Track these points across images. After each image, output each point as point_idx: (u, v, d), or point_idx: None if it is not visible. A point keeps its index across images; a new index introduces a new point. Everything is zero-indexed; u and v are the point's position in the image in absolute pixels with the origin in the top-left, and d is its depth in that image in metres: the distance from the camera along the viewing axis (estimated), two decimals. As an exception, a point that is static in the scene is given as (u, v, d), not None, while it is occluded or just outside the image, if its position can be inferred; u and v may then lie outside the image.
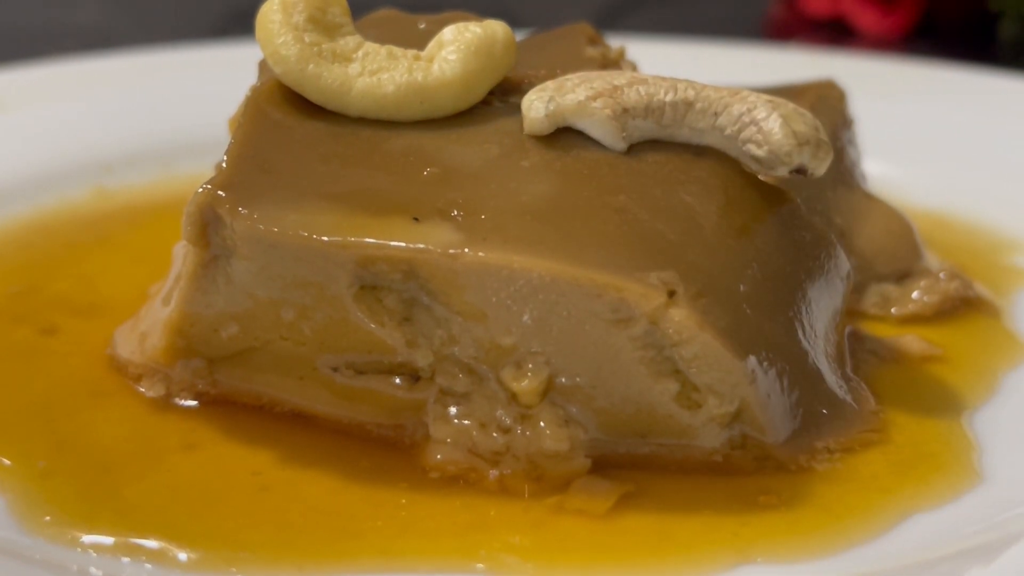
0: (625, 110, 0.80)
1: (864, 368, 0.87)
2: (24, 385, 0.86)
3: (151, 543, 0.72)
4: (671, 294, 0.73)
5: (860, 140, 1.06)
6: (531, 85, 0.84)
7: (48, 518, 0.74)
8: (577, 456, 0.77)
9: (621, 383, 0.76)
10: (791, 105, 0.80)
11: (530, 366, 0.76)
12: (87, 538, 0.73)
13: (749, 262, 0.78)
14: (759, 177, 0.82)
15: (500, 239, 0.75)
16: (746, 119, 0.79)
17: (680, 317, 0.73)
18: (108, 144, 1.24)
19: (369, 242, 0.75)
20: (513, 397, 0.77)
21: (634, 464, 0.78)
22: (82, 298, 0.97)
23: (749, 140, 0.79)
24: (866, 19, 1.79)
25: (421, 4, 0.97)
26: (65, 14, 1.87)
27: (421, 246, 0.74)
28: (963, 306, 0.97)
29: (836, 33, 1.81)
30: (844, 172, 1.02)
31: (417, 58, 0.82)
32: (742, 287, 0.76)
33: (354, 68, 0.81)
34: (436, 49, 0.83)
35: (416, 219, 0.76)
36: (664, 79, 0.81)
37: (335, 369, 0.80)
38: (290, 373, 0.81)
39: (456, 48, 0.82)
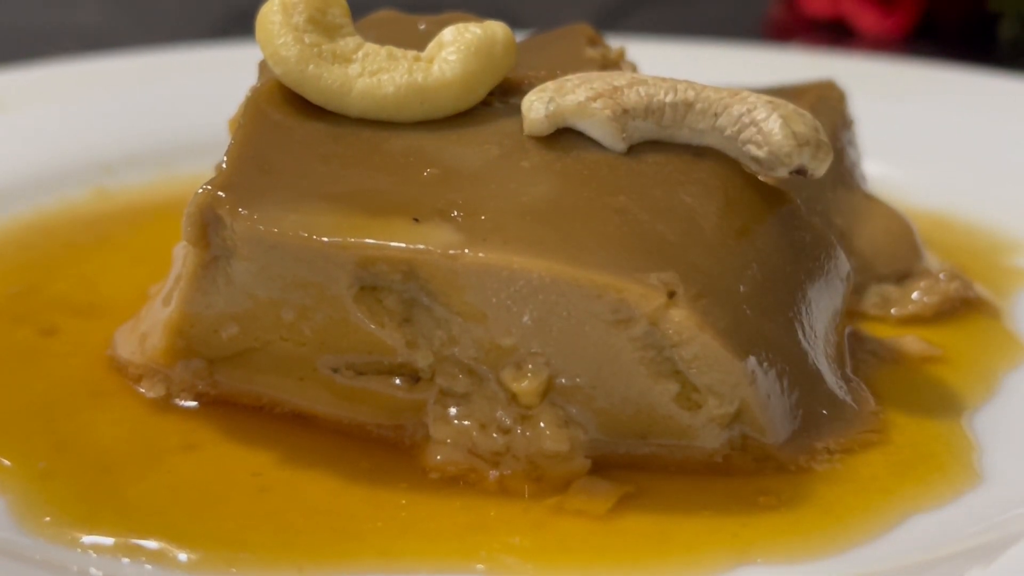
0: (625, 111, 0.80)
1: (864, 369, 0.87)
2: (24, 386, 0.86)
3: (151, 544, 0.72)
4: (671, 295, 0.73)
5: (860, 141, 1.06)
6: (531, 86, 0.84)
7: (48, 519, 0.74)
8: (577, 457, 0.77)
9: (621, 384, 0.76)
10: (791, 106, 0.80)
11: (530, 367, 0.76)
12: (87, 539, 0.73)
13: (749, 263, 0.78)
14: (759, 178, 0.82)
15: (500, 240, 0.75)
16: (746, 120, 0.80)
17: (680, 318, 0.73)
18: (108, 145, 1.24)
19: (369, 243, 0.75)
20: (513, 398, 0.77)
21: (634, 465, 0.78)
22: (82, 299, 0.97)
23: (749, 141, 0.80)
24: (866, 20, 1.79)
25: (421, 5, 0.97)
26: (65, 14, 1.87)
27: (421, 247, 0.74)
28: (963, 307, 0.97)
29: (836, 34, 1.81)
30: (844, 173, 1.02)
31: (417, 59, 0.82)
32: (742, 288, 0.76)
33: (354, 69, 0.81)
34: (436, 50, 0.83)
35: (416, 220, 0.76)
36: (664, 80, 0.81)
37: (335, 370, 0.80)
38: (290, 374, 0.81)
39: (456, 49, 0.82)
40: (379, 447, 0.80)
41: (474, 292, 0.75)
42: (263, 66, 0.88)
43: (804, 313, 0.80)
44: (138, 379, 0.85)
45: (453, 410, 0.78)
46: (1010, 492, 0.77)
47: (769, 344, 0.76)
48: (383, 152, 0.80)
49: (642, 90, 0.80)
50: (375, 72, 0.81)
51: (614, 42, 0.98)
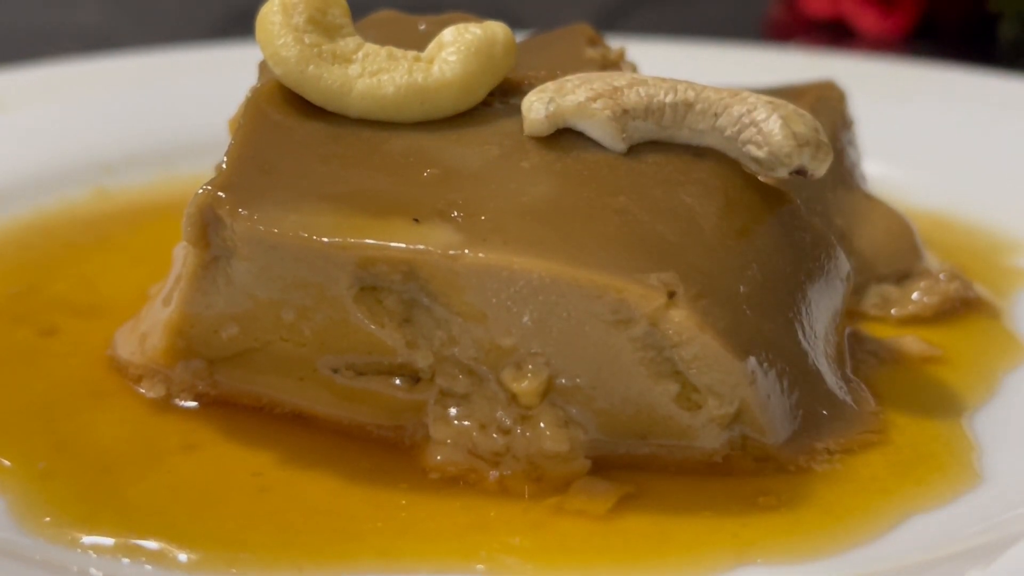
0: (625, 111, 0.80)
1: (864, 369, 0.87)
2: (24, 386, 0.86)
3: (151, 544, 0.72)
4: (671, 295, 0.74)
5: (860, 141, 1.06)
6: (531, 86, 0.84)
7: (48, 519, 0.74)
8: (577, 457, 0.77)
9: (621, 384, 0.76)
10: (791, 106, 0.80)
11: (530, 367, 0.76)
12: (87, 539, 0.73)
13: (749, 263, 0.78)
14: (759, 178, 0.82)
15: (500, 240, 0.75)
16: (746, 120, 0.80)
17: (680, 318, 0.73)
18: (108, 145, 1.24)
19: (369, 243, 0.75)
20: (513, 398, 0.77)
21: (634, 465, 0.78)
22: (82, 299, 0.97)
23: (749, 141, 0.80)
24: (866, 20, 1.79)
25: (421, 5, 0.97)
26: (66, 15, 1.87)
27: (421, 247, 0.74)
28: (963, 307, 0.97)
29: (836, 34, 1.81)
30: (844, 173, 1.02)
31: (417, 59, 0.82)
32: (742, 288, 0.76)
33: (354, 69, 0.81)
34: (436, 50, 0.83)
35: (416, 220, 0.76)
36: (664, 80, 0.81)
37: (335, 370, 0.80)
38: (290, 374, 0.81)
39: (456, 49, 0.82)
40: (379, 447, 0.80)
41: (474, 292, 0.75)
42: (263, 66, 0.88)
43: (804, 313, 0.80)
44: (138, 379, 0.85)
45: (453, 410, 0.78)
46: (1010, 492, 0.77)
47: (769, 344, 0.76)
48: (383, 152, 0.80)
49: (642, 90, 0.80)
50: (375, 72, 0.81)
51: (614, 42, 0.98)
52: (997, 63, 1.45)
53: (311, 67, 0.81)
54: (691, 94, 0.80)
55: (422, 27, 0.91)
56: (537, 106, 0.81)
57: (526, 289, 0.74)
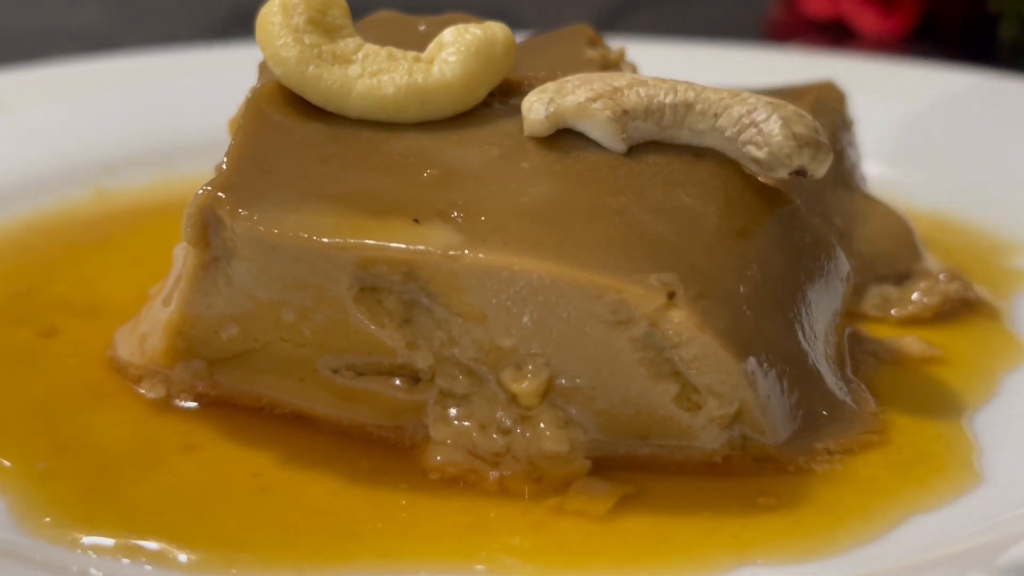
0: (625, 112, 0.80)
1: (864, 369, 0.87)
2: (24, 387, 0.86)
3: (151, 544, 0.72)
4: (671, 295, 0.74)
5: (860, 142, 1.06)
6: (531, 87, 0.84)
7: (48, 519, 0.74)
8: (577, 457, 0.77)
9: (621, 384, 0.76)
10: (791, 107, 0.80)
11: (530, 368, 0.76)
12: (87, 539, 0.73)
13: (749, 263, 0.78)
14: (759, 179, 0.82)
15: (500, 240, 0.75)
16: (746, 121, 0.80)
17: (680, 318, 0.73)
18: (108, 145, 1.24)
19: (369, 243, 0.75)
20: (513, 399, 0.77)
21: (634, 465, 0.78)
22: (82, 299, 0.97)
23: (749, 142, 0.80)
24: (866, 20, 1.79)
25: (421, 5, 0.97)
26: (66, 15, 1.87)
27: (421, 248, 0.74)
28: (963, 308, 0.97)
29: (836, 34, 1.81)
30: (844, 174, 1.02)
31: (417, 60, 0.82)
32: (742, 288, 0.76)
33: (354, 70, 0.81)
34: (436, 51, 0.83)
35: (416, 220, 0.76)
36: (664, 81, 0.81)
37: (335, 371, 0.80)
38: (290, 375, 0.81)
39: (456, 50, 0.82)
40: (379, 448, 0.80)
41: (474, 293, 0.75)
42: (263, 67, 0.88)
43: (804, 314, 0.80)
44: (138, 380, 0.85)
45: (453, 411, 0.78)
46: (1010, 492, 0.77)
47: (769, 345, 0.76)
48: (383, 153, 0.80)
49: (642, 91, 0.80)
50: (375, 73, 0.82)
51: (614, 43, 0.98)
52: (997, 63, 1.45)
53: (311, 68, 0.81)
54: (691, 95, 0.80)
55: (422, 28, 0.91)
56: (537, 106, 0.81)
57: (526, 290, 0.74)
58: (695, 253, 0.76)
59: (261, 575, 0.71)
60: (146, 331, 0.86)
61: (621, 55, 0.95)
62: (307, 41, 0.81)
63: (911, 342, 0.91)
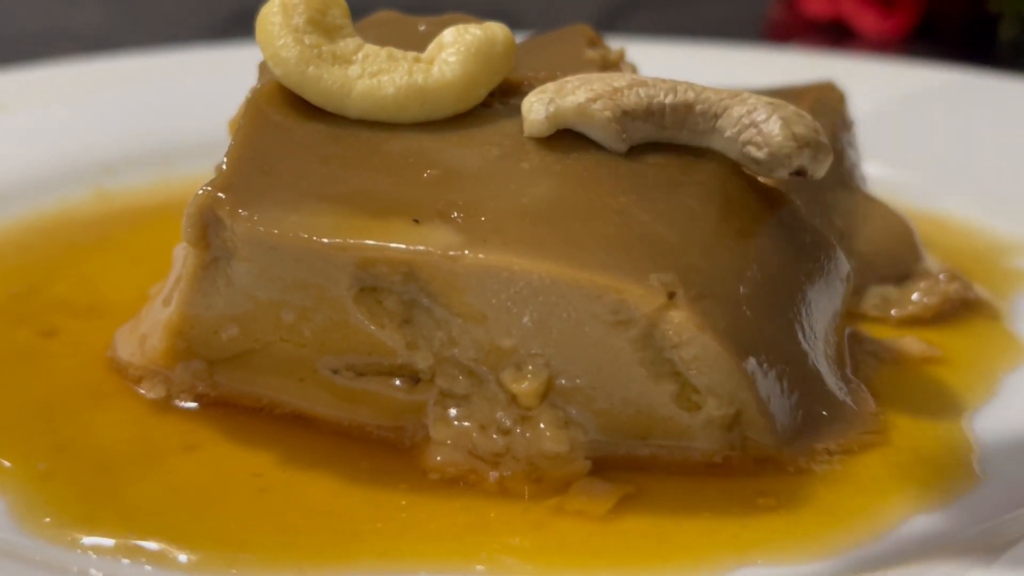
0: (625, 112, 0.80)
1: (864, 370, 0.87)
2: (24, 387, 0.86)
3: (151, 544, 0.72)
4: (671, 296, 0.74)
5: (860, 142, 1.06)
6: (531, 87, 0.84)
7: (48, 519, 0.74)
8: (577, 458, 0.77)
9: (621, 385, 0.76)
10: (791, 107, 0.80)
11: (530, 368, 0.76)
12: (87, 539, 0.73)
13: (749, 264, 0.78)
14: (759, 179, 0.82)
15: (500, 241, 0.75)
16: (746, 121, 0.80)
17: (680, 319, 0.73)
18: (108, 146, 1.24)
19: (369, 244, 0.75)
20: (513, 399, 0.77)
21: (634, 466, 0.78)
22: (82, 300, 0.97)
23: (749, 142, 0.80)
24: (866, 21, 1.79)
25: (421, 6, 0.97)
26: (66, 16, 1.87)
27: (421, 248, 0.74)
28: (962, 308, 0.97)
29: (836, 35, 1.81)
30: (844, 174, 1.02)
31: (417, 60, 0.82)
32: (742, 289, 0.76)
33: (354, 70, 0.81)
34: (436, 51, 0.83)
35: (416, 221, 0.76)
36: (664, 81, 0.81)
37: (335, 371, 0.80)
38: (290, 375, 0.81)
39: (456, 50, 0.82)
40: (379, 448, 0.80)
41: (474, 293, 0.75)
42: (263, 67, 0.88)
43: (804, 314, 0.80)
44: (138, 380, 0.85)
45: (453, 411, 0.78)
46: (1010, 493, 0.77)
47: (769, 345, 0.76)
48: (383, 153, 0.80)
49: (642, 91, 0.80)
50: (375, 73, 0.82)
51: (614, 43, 0.98)
52: (997, 63, 1.45)
53: (311, 68, 0.81)
54: (691, 95, 0.80)
55: (422, 28, 0.91)
56: (537, 107, 0.81)
57: (526, 290, 0.74)
58: (695, 253, 0.76)
59: (261, 575, 0.71)
60: (146, 331, 0.86)
61: (621, 55, 0.95)
62: (307, 41, 0.81)
63: (911, 342, 0.91)
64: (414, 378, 0.79)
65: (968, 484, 0.78)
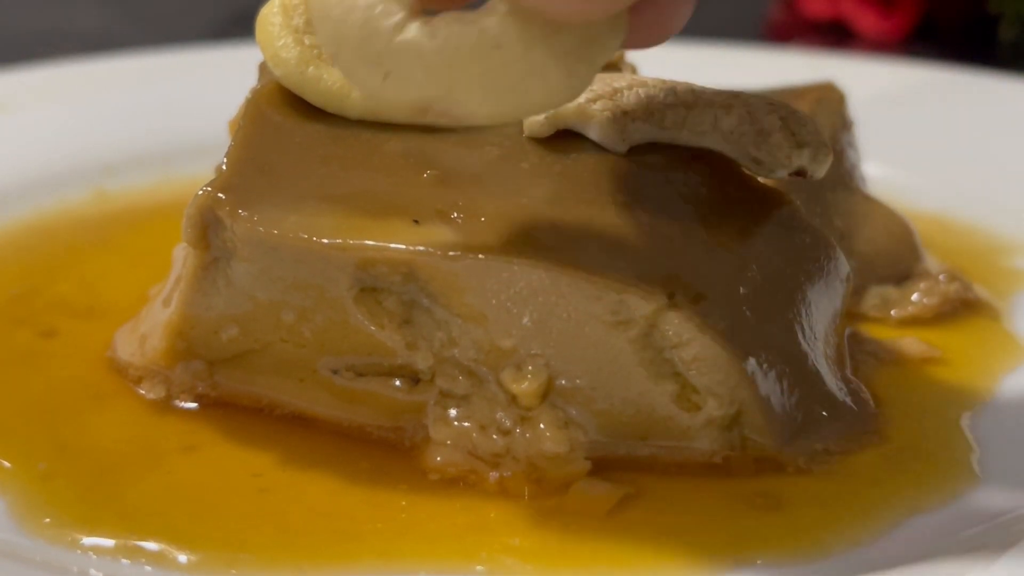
0: (625, 113, 0.80)
1: (864, 370, 0.87)
2: (24, 388, 0.86)
3: (151, 545, 0.72)
4: (671, 296, 0.74)
5: (860, 142, 1.06)
6: (531, 87, 0.83)
7: (48, 520, 0.74)
8: (577, 458, 0.77)
9: (621, 385, 0.77)
10: (791, 107, 0.80)
11: (530, 368, 0.76)
12: (87, 540, 0.73)
13: (749, 264, 0.78)
14: (759, 179, 0.82)
15: (500, 241, 0.75)
16: (746, 121, 0.79)
17: (680, 319, 0.74)
18: (108, 146, 1.24)
19: (369, 244, 0.75)
20: (513, 399, 0.77)
21: (634, 466, 0.78)
22: (82, 300, 0.97)
23: (749, 142, 0.79)
24: (866, 21, 1.79)
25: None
26: (66, 16, 1.87)
27: (421, 248, 0.75)
28: (962, 308, 0.97)
29: (836, 35, 1.81)
30: (844, 174, 1.02)
31: (417, 60, 0.82)
32: (742, 289, 0.76)
33: (354, 70, 0.81)
34: (436, 51, 0.83)
35: (416, 221, 0.76)
36: (664, 81, 0.81)
37: (335, 371, 0.80)
38: (290, 375, 0.81)
39: (456, 50, 0.82)
40: (379, 448, 0.80)
41: (474, 293, 0.75)
42: (263, 68, 0.88)
43: (804, 315, 0.80)
44: (138, 381, 0.85)
45: (453, 411, 0.78)
46: (1010, 492, 0.77)
47: (769, 346, 0.77)
48: (383, 153, 0.80)
49: (642, 92, 0.80)
50: (375, 74, 0.81)
51: (614, 43, 0.97)
52: (997, 64, 1.45)
53: (311, 68, 0.81)
54: (691, 95, 0.80)
55: (422, 28, 0.91)
56: (537, 107, 0.81)
57: (526, 290, 0.74)
58: (695, 254, 0.76)
59: (261, 575, 0.71)
60: (146, 332, 0.86)
61: (621, 55, 0.95)
62: (307, 42, 0.81)
63: (911, 342, 0.91)
64: (414, 378, 0.79)
65: (968, 484, 0.78)
